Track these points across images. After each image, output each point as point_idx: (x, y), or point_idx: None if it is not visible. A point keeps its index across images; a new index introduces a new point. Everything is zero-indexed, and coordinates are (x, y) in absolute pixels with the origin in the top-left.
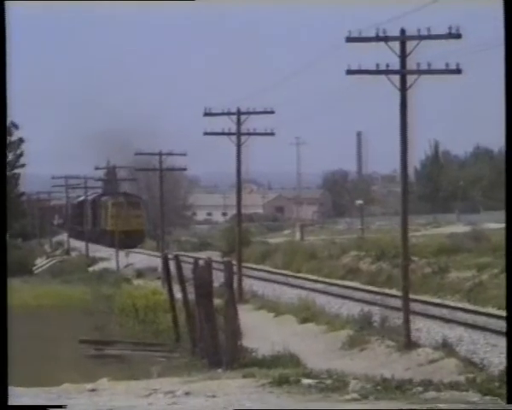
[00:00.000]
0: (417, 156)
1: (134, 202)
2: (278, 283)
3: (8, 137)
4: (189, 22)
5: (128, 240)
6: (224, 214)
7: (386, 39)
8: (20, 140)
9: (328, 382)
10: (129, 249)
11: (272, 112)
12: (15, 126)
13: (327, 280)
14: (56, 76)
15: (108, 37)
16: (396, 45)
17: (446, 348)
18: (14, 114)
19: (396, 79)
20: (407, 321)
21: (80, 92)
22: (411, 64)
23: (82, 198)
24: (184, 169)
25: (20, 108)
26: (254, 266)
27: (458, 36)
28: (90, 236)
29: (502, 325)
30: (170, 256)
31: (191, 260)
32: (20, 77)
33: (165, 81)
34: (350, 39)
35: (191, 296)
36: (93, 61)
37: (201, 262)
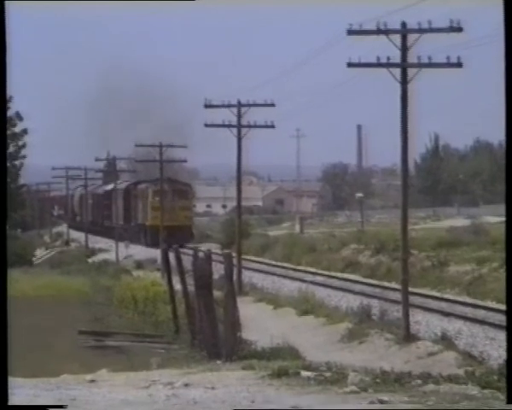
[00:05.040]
0: (417, 149)
1: (181, 190)
2: (278, 275)
3: (11, 128)
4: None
5: (172, 238)
6: (224, 207)
7: (386, 32)
8: (24, 131)
9: (328, 374)
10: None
11: (273, 104)
12: (20, 118)
13: (326, 273)
14: None
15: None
16: (397, 38)
17: (445, 341)
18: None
19: (397, 72)
20: (406, 314)
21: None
22: (412, 57)
23: (110, 187)
24: (184, 161)
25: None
26: (254, 258)
27: (459, 29)
28: (120, 232)
29: (501, 318)
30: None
31: (191, 251)
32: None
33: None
34: (351, 32)
35: (191, 288)
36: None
37: (201, 254)
